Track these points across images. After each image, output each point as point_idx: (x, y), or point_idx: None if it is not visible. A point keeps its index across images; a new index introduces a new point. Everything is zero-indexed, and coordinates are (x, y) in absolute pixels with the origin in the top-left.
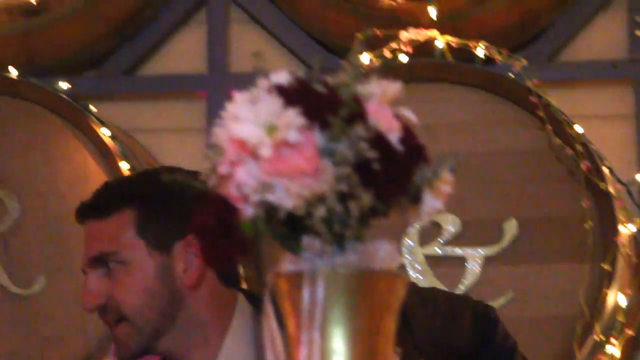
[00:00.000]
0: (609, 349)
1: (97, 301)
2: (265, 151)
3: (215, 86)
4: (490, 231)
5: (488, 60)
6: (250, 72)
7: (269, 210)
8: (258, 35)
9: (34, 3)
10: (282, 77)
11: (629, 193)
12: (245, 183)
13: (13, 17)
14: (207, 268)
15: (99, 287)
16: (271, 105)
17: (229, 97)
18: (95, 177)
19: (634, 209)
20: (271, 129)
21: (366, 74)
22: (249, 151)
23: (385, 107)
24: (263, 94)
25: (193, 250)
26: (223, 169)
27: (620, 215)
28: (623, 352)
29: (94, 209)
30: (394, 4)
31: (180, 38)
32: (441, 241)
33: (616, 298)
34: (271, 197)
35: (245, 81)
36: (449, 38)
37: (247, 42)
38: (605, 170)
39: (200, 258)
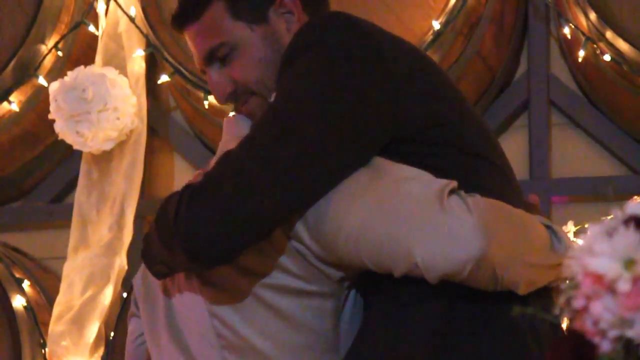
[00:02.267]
0: None
1: (227, 89)
2: (624, 286)
3: (537, 191)
4: None
5: None
6: (572, 177)
7: (628, 346)
8: (580, 139)
9: None
10: (638, 208)
11: None
12: (602, 318)
13: None
14: (305, 18)
15: (222, 78)
16: (629, 237)
17: (550, 203)
18: None
19: None
20: (629, 263)
21: None
22: (606, 285)
23: None
24: (619, 226)
25: (286, 7)
26: (578, 302)
27: None
28: None
29: (186, 15)
30: None
31: (502, 143)
32: None
33: None
34: (630, 333)
35: (567, 187)
36: None
37: (568, 147)
38: None
39: (295, 9)
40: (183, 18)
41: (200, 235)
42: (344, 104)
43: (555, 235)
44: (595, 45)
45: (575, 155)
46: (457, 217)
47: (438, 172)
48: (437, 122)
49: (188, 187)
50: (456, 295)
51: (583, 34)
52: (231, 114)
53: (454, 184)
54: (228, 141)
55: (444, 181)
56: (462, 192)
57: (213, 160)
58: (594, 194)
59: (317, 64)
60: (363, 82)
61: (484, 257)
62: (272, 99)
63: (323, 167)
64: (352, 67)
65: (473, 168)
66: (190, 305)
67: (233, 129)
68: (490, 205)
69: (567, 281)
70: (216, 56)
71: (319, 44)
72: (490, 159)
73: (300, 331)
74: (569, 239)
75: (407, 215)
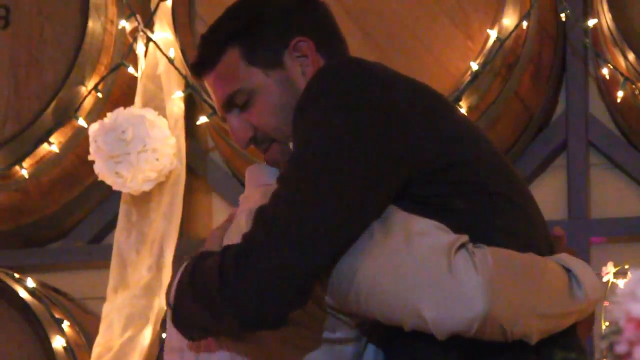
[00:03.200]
0: None
1: (247, 135)
2: None
3: (576, 232)
4: None
5: None
6: (611, 218)
7: None
8: (618, 179)
9: None
10: None
11: None
12: None
13: None
14: (320, 61)
15: (241, 124)
16: None
17: (589, 244)
18: None
19: None
20: None
21: None
22: None
23: None
24: None
25: (300, 50)
26: (621, 348)
27: None
28: None
29: (203, 62)
30: None
31: (541, 183)
32: None
33: None
34: None
35: (606, 227)
36: None
37: (607, 187)
38: None
39: (309, 53)
40: (200, 65)
41: (254, 302)
42: (362, 151)
43: (576, 280)
44: (634, 86)
45: (614, 195)
46: (463, 276)
47: (455, 213)
48: (453, 162)
49: (228, 251)
50: (473, 346)
51: (621, 74)
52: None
53: (463, 239)
54: (252, 191)
55: (452, 237)
56: (471, 247)
57: (240, 210)
58: (633, 234)
59: (331, 112)
60: (379, 128)
61: (489, 316)
62: (291, 147)
63: (355, 216)
64: (367, 114)
65: (491, 207)
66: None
67: (256, 178)
68: (499, 259)
69: (609, 326)
70: (234, 102)
71: (332, 92)
72: (509, 196)
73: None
74: (592, 279)
75: (415, 273)
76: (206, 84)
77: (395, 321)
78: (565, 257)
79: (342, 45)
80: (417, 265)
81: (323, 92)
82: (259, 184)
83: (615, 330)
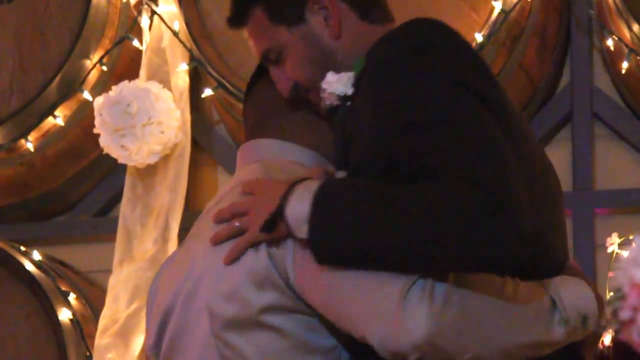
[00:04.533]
0: None
1: (287, 86)
2: None
3: (580, 204)
4: None
5: None
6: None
7: None
8: (623, 151)
9: None
10: None
11: None
12: None
13: None
14: (343, 14)
15: (280, 76)
16: None
17: (594, 215)
18: None
19: None
20: None
21: None
22: None
23: None
24: None
25: (320, 3)
26: (625, 314)
27: None
28: None
29: (234, 21)
30: None
31: None
32: None
33: None
34: None
35: (611, 199)
36: None
37: (612, 159)
38: None
39: (329, 6)
40: (232, 24)
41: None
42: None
43: (560, 312)
44: (638, 57)
45: (619, 167)
46: (412, 305)
47: None
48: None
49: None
50: None
51: (626, 45)
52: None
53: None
54: (248, 167)
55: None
56: (430, 280)
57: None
58: (638, 206)
59: (439, 65)
60: (489, 81)
61: (431, 344)
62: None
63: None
64: (473, 68)
65: None
66: (195, 327)
67: (250, 155)
68: (460, 295)
69: (614, 293)
70: (270, 59)
71: (432, 46)
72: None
73: (302, 350)
74: (585, 307)
75: (366, 299)
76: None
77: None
78: (558, 284)
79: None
80: (370, 288)
81: (422, 47)
82: (255, 160)
83: (620, 297)
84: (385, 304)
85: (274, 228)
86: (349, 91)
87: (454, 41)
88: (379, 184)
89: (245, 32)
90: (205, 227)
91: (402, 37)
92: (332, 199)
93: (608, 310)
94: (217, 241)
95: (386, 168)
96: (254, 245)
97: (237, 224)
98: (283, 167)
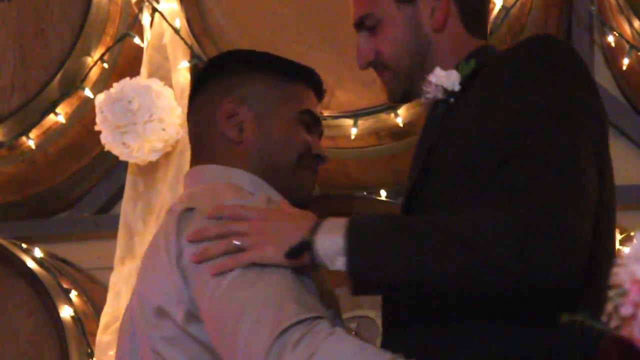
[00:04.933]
0: None
1: (369, 58)
2: None
3: None
4: None
5: None
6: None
7: None
8: (625, 147)
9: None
10: None
11: None
12: None
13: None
14: (451, 12)
15: (367, 46)
16: None
17: None
18: None
19: None
20: None
21: None
22: None
23: None
24: None
25: None
26: (626, 310)
27: None
28: None
29: None
30: None
31: None
32: None
33: None
34: None
35: None
36: None
37: (613, 155)
38: None
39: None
40: None
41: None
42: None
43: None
44: (639, 53)
45: (620, 163)
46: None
47: None
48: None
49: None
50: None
51: (627, 41)
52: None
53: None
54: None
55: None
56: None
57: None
58: (639, 202)
59: (566, 85)
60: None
61: None
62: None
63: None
64: (590, 94)
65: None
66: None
67: (198, 179)
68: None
69: (615, 289)
70: (364, 24)
71: (563, 67)
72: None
73: None
74: None
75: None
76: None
77: None
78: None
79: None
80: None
81: (553, 64)
82: (204, 182)
83: (621, 293)
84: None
85: (299, 256)
86: (456, 88)
87: (578, 62)
88: (408, 217)
89: None
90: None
91: (532, 50)
92: (368, 231)
93: (609, 306)
94: (206, 258)
95: (486, 164)
96: (244, 265)
97: (236, 242)
98: (221, 190)
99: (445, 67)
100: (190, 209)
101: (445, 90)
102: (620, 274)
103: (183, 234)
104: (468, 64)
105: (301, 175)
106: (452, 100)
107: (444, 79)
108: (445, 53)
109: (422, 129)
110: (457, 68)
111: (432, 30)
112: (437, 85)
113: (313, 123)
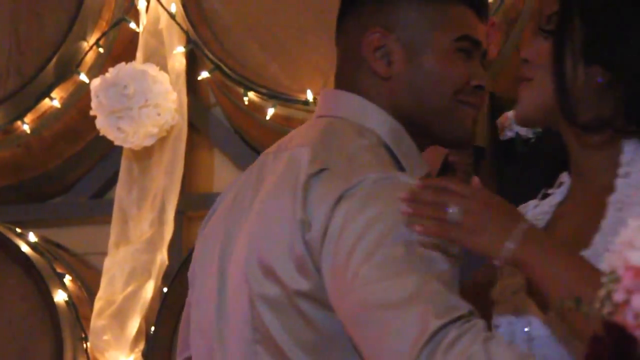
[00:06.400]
0: None
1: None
2: None
3: None
4: None
5: None
6: None
7: None
8: None
9: None
10: None
11: None
12: None
13: None
14: None
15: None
16: None
17: None
18: None
19: None
20: None
21: None
22: None
23: None
24: None
25: None
26: (619, 296)
27: None
28: None
29: None
30: None
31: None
32: None
33: None
34: None
35: None
36: None
37: None
38: None
39: None
40: None
41: None
42: None
43: None
44: None
45: None
46: None
47: None
48: None
49: None
50: None
51: None
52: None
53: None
54: None
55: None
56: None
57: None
58: None
59: None
60: None
61: None
62: None
63: None
64: None
65: None
66: (239, 296)
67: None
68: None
69: (608, 275)
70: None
71: None
72: None
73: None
74: None
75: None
76: None
77: None
78: None
79: None
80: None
81: None
82: (333, 114)
83: (614, 279)
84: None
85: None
86: None
87: None
88: None
89: None
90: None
91: None
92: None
93: (602, 292)
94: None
95: None
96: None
97: (453, 210)
98: (344, 144)
99: None
100: (322, 170)
101: None
102: (614, 260)
103: (310, 202)
104: None
105: (458, 112)
106: None
107: None
108: None
109: None
110: None
111: None
112: None
113: (474, 48)
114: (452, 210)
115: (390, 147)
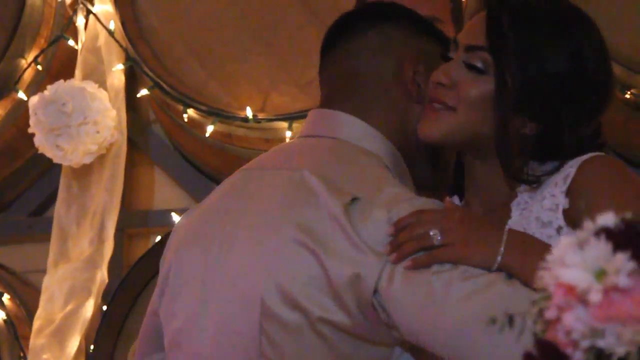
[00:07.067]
0: None
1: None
2: (595, 297)
3: None
4: None
5: None
6: None
7: (599, 356)
8: None
9: None
10: (609, 219)
11: None
12: (575, 328)
13: None
14: None
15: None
16: (599, 249)
17: None
18: None
19: None
20: (600, 274)
21: None
22: (578, 296)
23: None
24: (590, 238)
25: None
26: (550, 313)
27: None
28: None
29: None
30: None
31: None
32: None
33: None
34: (601, 343)
35: None
36: None
37: None
38: None
39: None
40: None
41: None
42: None
43: None
44: None
45: None
46: None
47: None
48: None
49: None
50: None
51: None
52: None
53: None
54: None
55: None
56: None
57: None
58: None
59: None
60: None
61: None
62: None
63: None
64: None
65: None
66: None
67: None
68: None
69: (539, 292)
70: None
71: None
72: None
73: None
74: None
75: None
76: None
77: None
78: None
79: None
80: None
81: None
82: (329, 135)
83: (545, 297)
84: None
85: None
86: None
87: None
88: None
89: None
90: (245, 210)
91: None
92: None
93: (534, 310)
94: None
95: None
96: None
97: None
98: (351, 164)
99: None
100: (355, 199)
101: None
102: (545, 277)
103: (361, 230)
104: None
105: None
106: None
107: None
108: None
109: None
110: None
111: None
112: None
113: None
114: (433, 233)
115: (391, 169)
